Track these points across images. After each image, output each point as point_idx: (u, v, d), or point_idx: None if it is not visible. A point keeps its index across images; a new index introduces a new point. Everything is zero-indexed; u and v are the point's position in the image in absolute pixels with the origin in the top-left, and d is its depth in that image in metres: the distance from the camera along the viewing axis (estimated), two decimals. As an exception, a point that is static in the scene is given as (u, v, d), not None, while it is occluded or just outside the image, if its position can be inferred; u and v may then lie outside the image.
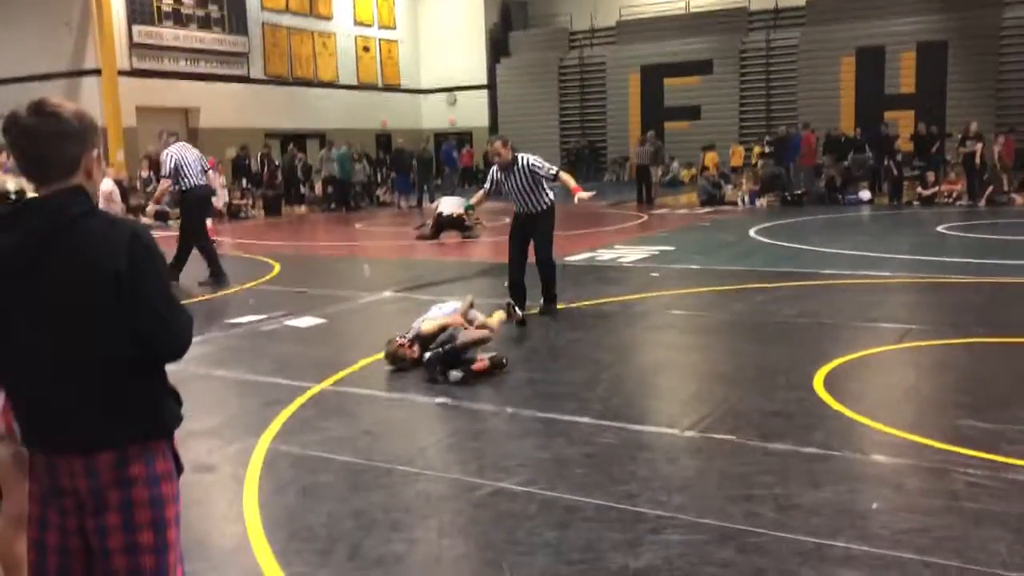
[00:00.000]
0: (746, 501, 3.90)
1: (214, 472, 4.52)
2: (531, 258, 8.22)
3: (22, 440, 2.10)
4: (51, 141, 2.01)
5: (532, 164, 7.85)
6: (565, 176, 8.07)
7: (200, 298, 9.86)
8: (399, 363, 6.31)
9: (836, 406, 5.19)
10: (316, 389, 5.89)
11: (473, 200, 8.63)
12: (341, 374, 6.25)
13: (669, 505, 3.86)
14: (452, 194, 19.75)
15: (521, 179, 7.87)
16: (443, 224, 15.17)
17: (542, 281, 8.15)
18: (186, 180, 10.35)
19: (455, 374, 5.94)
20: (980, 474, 4.13)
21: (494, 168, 8.15)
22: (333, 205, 22.99)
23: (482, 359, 6.08)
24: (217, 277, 10.61)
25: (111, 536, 2.02)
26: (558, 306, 8.23)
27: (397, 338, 6.37)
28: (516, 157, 7.89)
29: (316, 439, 4.90)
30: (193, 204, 10.56)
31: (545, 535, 3.60)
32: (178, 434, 5.13)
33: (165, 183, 10.63)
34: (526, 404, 5.41)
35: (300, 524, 3.86)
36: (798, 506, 3.83)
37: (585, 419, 5.07)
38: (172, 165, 10.32)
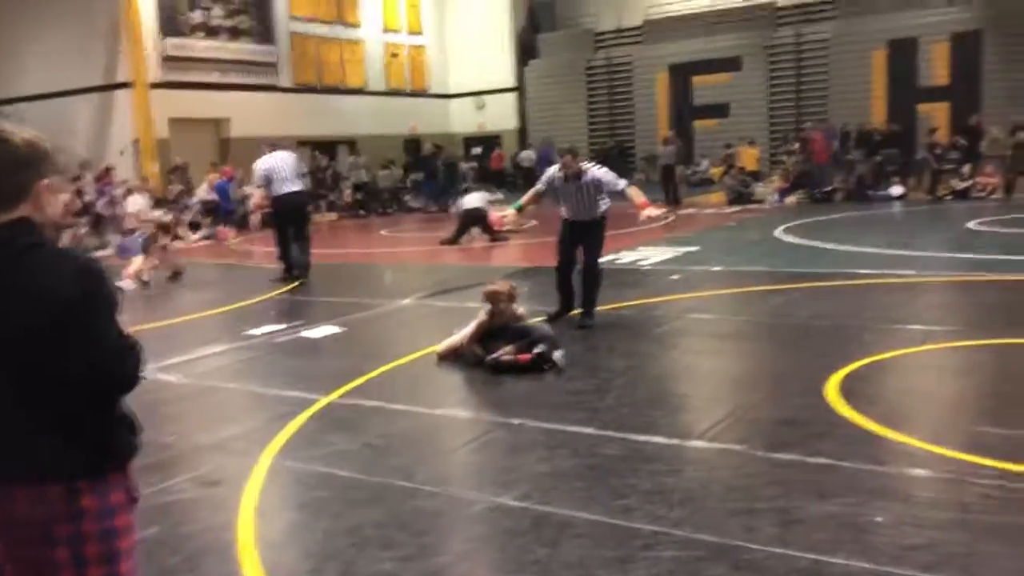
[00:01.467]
0: (747, 515, 3.80)
1: (216, 488, 4.52)
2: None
3: None
4: None
5: (600, 178, 7.77)
6: (633, 191, 7.90)
7: (220, 310, 9.93)
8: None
9: (848, 413, 5.06)
10: (325, 401, 5.88)
11: (523, 201, 8.34)
12: (350, 385, 6.23)
13: (666, 520, 3.77)
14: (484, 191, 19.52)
15: (585, 190, 7.80)
16: (469, 219, 15.00)
17: (585, 289, 7.96)
18: (273, 187, 11.35)
19: (558, 355, 6.40)
20: (994, 485, 3.99)
21: (553, 172, 8.01)
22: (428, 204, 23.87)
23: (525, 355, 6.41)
24: (288, 273, 11.51)
25: (62, 571, 2.00)
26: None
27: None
28: (583, 169, 7.81)
29: (319, 453, 4.88)
30: (276, 210, 11.61)
31: (536, 552, 3.54)
32: (186, 447, 5.11)
33: (257, 193, 11.64)
34: (532, 415, 5.34)
35: (294, 542, 3.84)
36: (800, 520, 3.73)
37: (590, 430, 4.99)
38: (261, 174, 11.48)
